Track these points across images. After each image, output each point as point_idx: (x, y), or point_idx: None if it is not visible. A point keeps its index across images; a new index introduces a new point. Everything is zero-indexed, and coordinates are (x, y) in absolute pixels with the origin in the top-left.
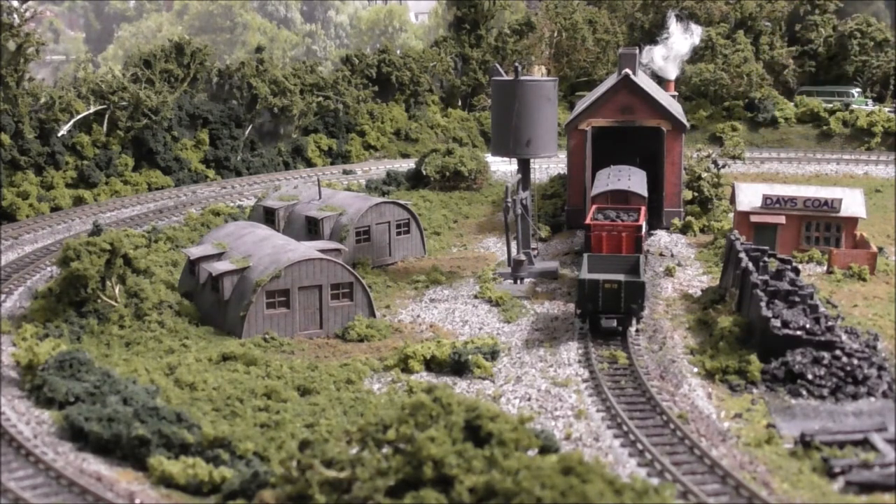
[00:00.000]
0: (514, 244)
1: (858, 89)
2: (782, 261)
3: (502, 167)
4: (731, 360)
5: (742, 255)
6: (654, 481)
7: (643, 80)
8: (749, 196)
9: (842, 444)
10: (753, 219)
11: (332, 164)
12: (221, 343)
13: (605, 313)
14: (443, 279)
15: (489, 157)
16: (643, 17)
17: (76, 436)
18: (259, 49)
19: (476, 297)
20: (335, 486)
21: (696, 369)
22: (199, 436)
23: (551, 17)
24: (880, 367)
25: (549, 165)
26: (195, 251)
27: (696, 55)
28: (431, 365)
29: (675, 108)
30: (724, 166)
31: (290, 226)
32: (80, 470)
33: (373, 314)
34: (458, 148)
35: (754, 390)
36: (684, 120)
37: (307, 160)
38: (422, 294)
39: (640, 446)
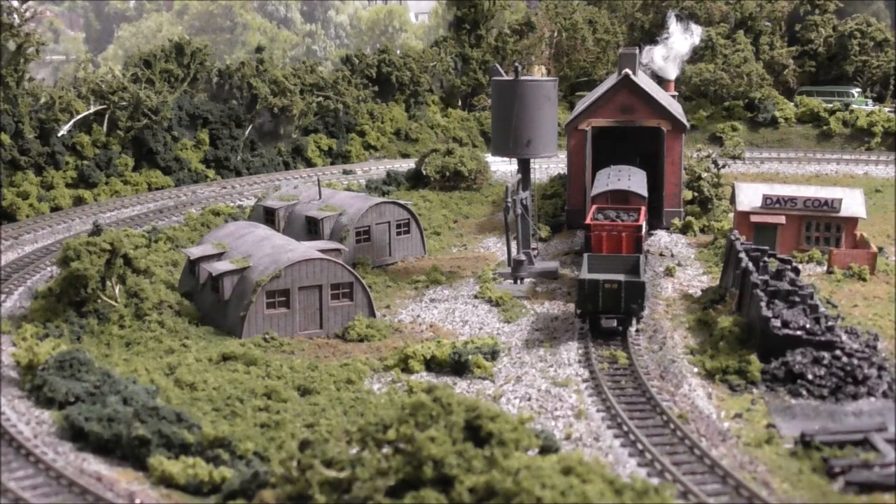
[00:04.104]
0: (514, 244)
1: (858, 89)
2: (782, 261)
3: (502, 167)
4: (731, 360)
5: (742, 255)
6: (654, 481)
7: (643, 80)
8: (749, 196)
9: (842, 444)
10: (753, 219)
11: (332, 164)
12: (221, 343)
13: (605, 313)
14: (443, 279)
15: (489, 157)
16: (643, 17)
17: (76, 436)
18: (259, 49)
19: (476, 297)
20: (335, 486)
21: (696, 369)
22: (199, 436)
23: (551, 17)
24: (880, 367)
25: (549, 165)
26: (195, 251)
27: (696, 55)
28: (431, 365)
29: (675, 108)
30: (724, 166)
31: (290, 226)
32: (80, 470)
33: (373, 314)
34: (458, 148)
35: (754, 390)
36: (684, 120)
37: (307, 160)
38: (422, 294)
39: (640, 446)
